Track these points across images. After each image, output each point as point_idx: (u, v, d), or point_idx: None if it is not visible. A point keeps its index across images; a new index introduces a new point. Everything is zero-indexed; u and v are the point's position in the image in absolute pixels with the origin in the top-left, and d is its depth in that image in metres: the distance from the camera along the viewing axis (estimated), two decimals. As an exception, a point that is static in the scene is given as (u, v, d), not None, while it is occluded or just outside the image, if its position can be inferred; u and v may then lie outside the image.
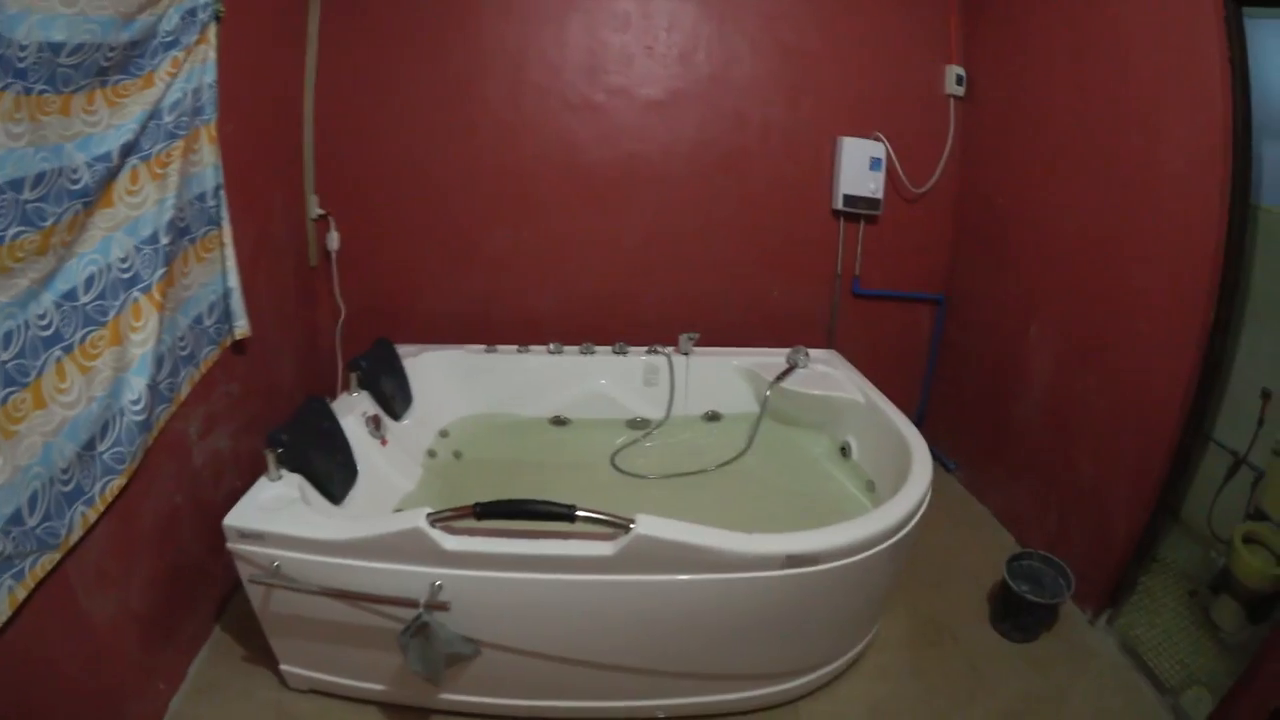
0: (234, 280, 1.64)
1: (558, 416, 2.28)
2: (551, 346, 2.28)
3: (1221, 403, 1.76)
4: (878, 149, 2.25)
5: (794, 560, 1.21)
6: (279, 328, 2.00)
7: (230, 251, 1.62)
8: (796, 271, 2.45)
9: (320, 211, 2.24)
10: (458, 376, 2.21)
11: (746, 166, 2.32)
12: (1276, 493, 1.62)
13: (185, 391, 1.53)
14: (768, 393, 2.16)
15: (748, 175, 2.34)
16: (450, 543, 1.19)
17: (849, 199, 2.28)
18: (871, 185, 2.27)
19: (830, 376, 2.15)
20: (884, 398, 1.94)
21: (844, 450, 2.02)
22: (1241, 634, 1.59)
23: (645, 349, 2.30)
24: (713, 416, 2.31)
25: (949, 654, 1.64)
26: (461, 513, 1.18)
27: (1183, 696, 1.49)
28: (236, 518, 1.25)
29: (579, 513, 1.19)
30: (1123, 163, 1.70)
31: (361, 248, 2.30)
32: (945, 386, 2.53)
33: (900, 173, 2.32)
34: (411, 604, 1.19)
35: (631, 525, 1.18)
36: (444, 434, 2.13)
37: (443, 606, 1.19)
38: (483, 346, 2.27)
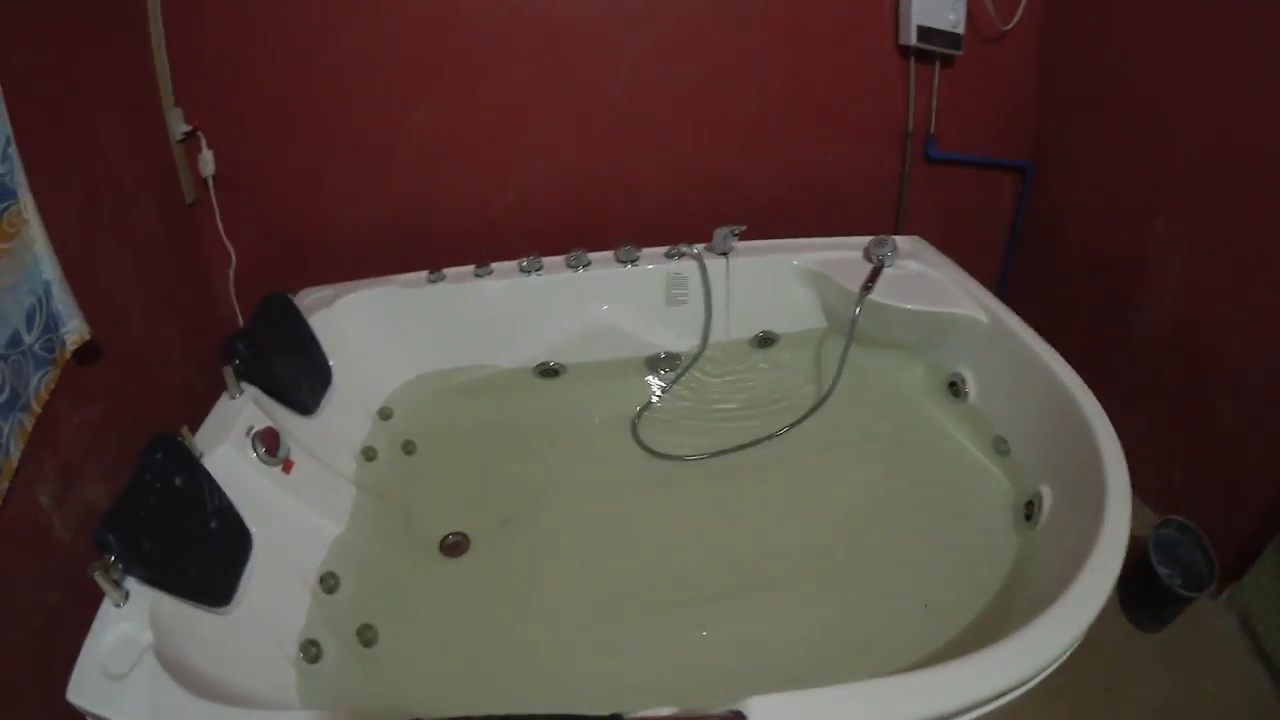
0: (52, 268, 1.28)
1: (545, 364, 1.87)
2: (524, 261, 1.82)
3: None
4: None
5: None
6: (148, 304, 1.64)
7: (39, 230, 1.26)
8: (854, 128, 2.08)
9: (186, 128, 1.79)
10: (393, 325, 1.79)
11: None
12: None
13: (17, 452, 1.19)
14: (857, 310, 1.70)
15: None
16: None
17: (923, 32, 1.88)
18: (951, 16, 1.87)
19: (929, 278, 1.75)
20: (1013, 315, 1.58)
21: (953, 388, 1.69)
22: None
23: (665, 250, 1.85)
24: (765, 340, 1.92)
25: (1082, 660, 1.49)
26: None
27: None
28: (78, 691, 0.96)
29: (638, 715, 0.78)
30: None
31: (246, 165, 1.88)
32: (1031, 279, 2.26)
33: (987, 2, 1.88)
34: None
35: None
36: (385, 415, 1.77)
37: None
38: (424, 274, 1.83)
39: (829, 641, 1.26)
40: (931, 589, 1.32)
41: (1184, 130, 1.65)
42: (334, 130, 1.89)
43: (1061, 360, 1.40)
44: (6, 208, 1.20)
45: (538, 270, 1.81)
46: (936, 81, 1.99)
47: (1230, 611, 1.54)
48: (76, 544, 1.31)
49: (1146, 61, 1.73)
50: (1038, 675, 0.89)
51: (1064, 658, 0.91)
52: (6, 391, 1.16)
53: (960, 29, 1.89)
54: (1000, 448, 1.51)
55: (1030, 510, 1.33)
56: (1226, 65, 1.51)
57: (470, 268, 1.83)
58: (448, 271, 1.82)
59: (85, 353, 1.35)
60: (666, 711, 0.78)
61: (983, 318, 1.59)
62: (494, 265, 1.83)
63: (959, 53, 1.92)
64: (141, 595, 1.04)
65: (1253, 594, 1.50)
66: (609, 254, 1.86)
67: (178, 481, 1.16)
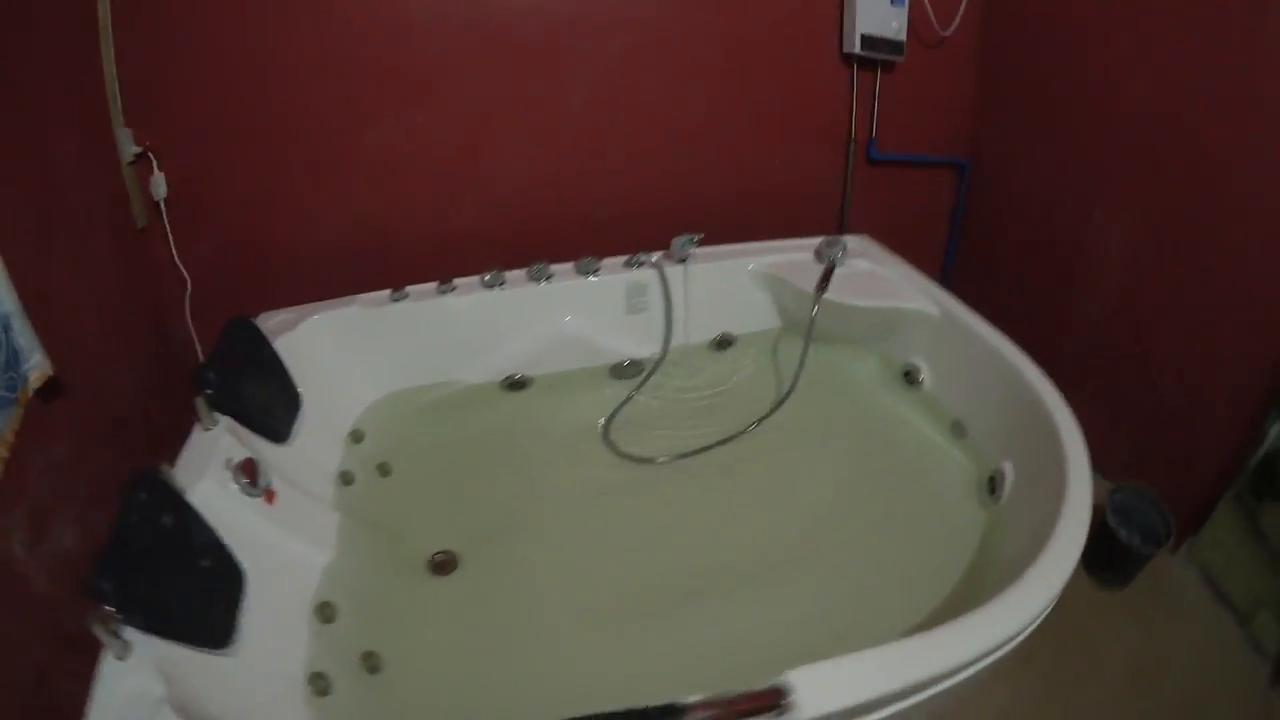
0: (9, 300, 1.21)
1: (512, 376, 1.88)
2: (487, 276, 1.83)
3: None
4: None
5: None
6: (103, 334, 1.58)
7: None
8: (800, 134, 2.13)
9: (136, 148, 1.71)
10: (358, 346, 1.77)
11: None
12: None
13: None
14: (815, 311, 1.75)
15: (732, 9, 1.92)
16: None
17: (867, 40, 1.94)
18: (894, 24, 1.94)
19: (878, 275, 1.83)
20: (962, 305, 1.65)
21: (908, 377, 1.75)
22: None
23: (624, 260, 1.88)
24: (723, 342, 1.96)
25: (1053, 620, 1.48)
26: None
27: (1254, 624, 1.47)
28: None
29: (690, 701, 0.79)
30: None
31: (199, 186, 1.81)
32: (973, 270, 2.34)
33: (928, 7, 1.96)
34: None
35: (787, 701, 0.81)
36: (356, 438, 1.73)
37: None
38: (387, 293, 1.81)
39: (822, 623, 1.30)
40: (909, 566, 1.37)
41: (1119, 125, 1.71)
42: (289, 148, 1.83)
43: (1012, 345, 1.48)
44: None
45: (500, 285, 1.80)
46: (878, 87, 2.05)
47: (1190, 564, 1.62)
48: (54, 593, 1.24)
49: (1083, 61, 1.79)
50: (1027, 628, 0.95)
51: (1042, 615, 0.97)
52: None
53: (902, 36, 1.94)
54: (958, 430, 1.58)
55: (993, 485, 1.40)
56: (1160, 63, 1.58)
57: (433, 285, 1.81)
58: (410, 289, 1.80)
59: (46, 390, 1.28)
60: (713, 695, 0.80)
61: (934, 310, 1.67)
62: (456, 281, 1.82)
63: (900, 59, 1.98)
64: (143, 645, 0.97)
65: (1210, 548, 1.60)
66: (570, 265, 1.86)
67: (165, 521, 1.11)
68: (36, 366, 1.26)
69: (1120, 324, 1.79)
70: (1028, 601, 0.95)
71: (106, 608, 0.96)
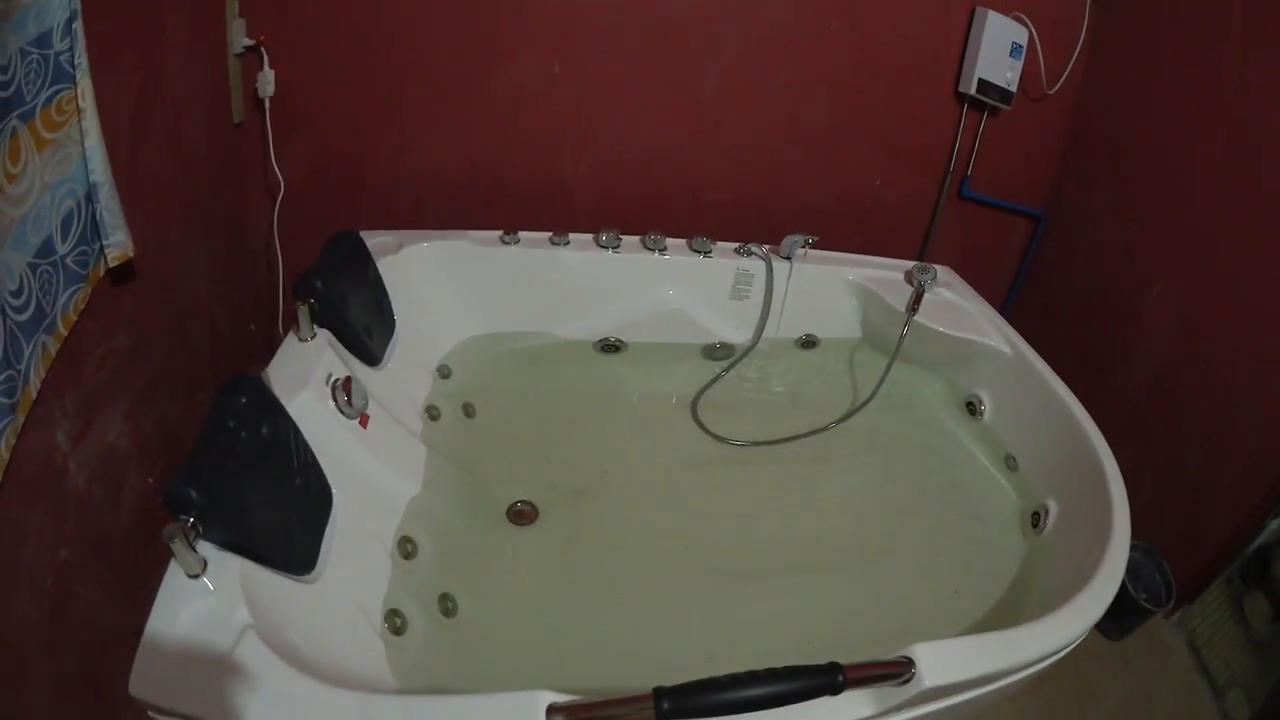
0: (102, 170, 0.99)
1: (607, 339, 1.68)
2: (604, 236, 1.62)
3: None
4: (1020, 33, 1.87)
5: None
6: (185, 225, 1.36)
7: (94, 123, 0.97)
8: (903, 159, 2.00)
9: (248, 41, 1.48)
10: (459, 281, 1.55)
11: (865, 14, 1.78)
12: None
13: (38, 380, 0.90)
14: (905, 330, 1.65)
15: (865, 25, 1.79)
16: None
17: (982, 85, 1.88)
18: (1009, 74, 1.89)
19: (959, 308, 1.72)
20: (1033, 351, 1.59)
21: (970, 407, 1.66)
22: (1268, 630, 1.49)
23: (735, 246, 1.71)
24: (808, 342, 1.81)
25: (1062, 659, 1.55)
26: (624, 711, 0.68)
27: (1228, 699, 1.45)
28: (142, 683, 0.69)
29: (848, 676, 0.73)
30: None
31: (309, 91, 1.58)
32: (1030, 316, 2.23)
33: (1041, 65, 1.88)
34: None
35: (911, 673, 0.78)
36: (444, 374, 1.52)
37: None
38: (498, 233, 1.59)
39: (870, 617, 1.28)
40: (954, 579, 1.34)
41: (1194, 206, 1.66)
42: (414, 71, 1.61)
43: (1073, 394, 1.43)
44: (59, 91, 0.91)
45: (615, 247, 1.63)
46: (981, 129, 1.94)
47: (1180, 631, 1.60)
48: (91, 492, 1.04)
49: (1169, 136, 1.73)
50: (1067, 646, 0.95)
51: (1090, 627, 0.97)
52: (32, 308, 0.87)
53: (1014, 86, 1.89)
54: (1010, 464, 1.53)
55: (1036, 520, 1.37)
56: (1244, 150, 1.53)
57: (546, 234, 1.62)
58: (522, 235, 1.60)
59: (117, 274, 1.07)
60: (858, 660, 0.77)
61: (1006, 349, 1.59)
62: (570, 235, 1.62)
63: (1008, 107, 1.90)
64: (218, 562, 0.78)
65: (1199, 620, 1.58)
66: (682, 241, 1.71)
67: (264, 431, 0.89)
68: (118, 245, 1.05)
69: (1158, 392, 1.74)
70: (1088, 608, 0.97)
71: (187, 519, 0.74)
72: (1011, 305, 2.26)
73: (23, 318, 0.84)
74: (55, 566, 0.93)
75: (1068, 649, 0.95)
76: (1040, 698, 1.41)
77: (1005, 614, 1.22)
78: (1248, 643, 1.46)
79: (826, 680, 0.72)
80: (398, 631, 1.01)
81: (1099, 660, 1.54)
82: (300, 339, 1.12)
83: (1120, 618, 1.54)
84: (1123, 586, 1.42)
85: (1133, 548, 1.51)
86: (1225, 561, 1.52)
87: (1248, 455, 1.49)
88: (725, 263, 1.69)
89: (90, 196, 0.98)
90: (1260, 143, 1.50)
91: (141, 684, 0.69)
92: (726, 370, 1.73)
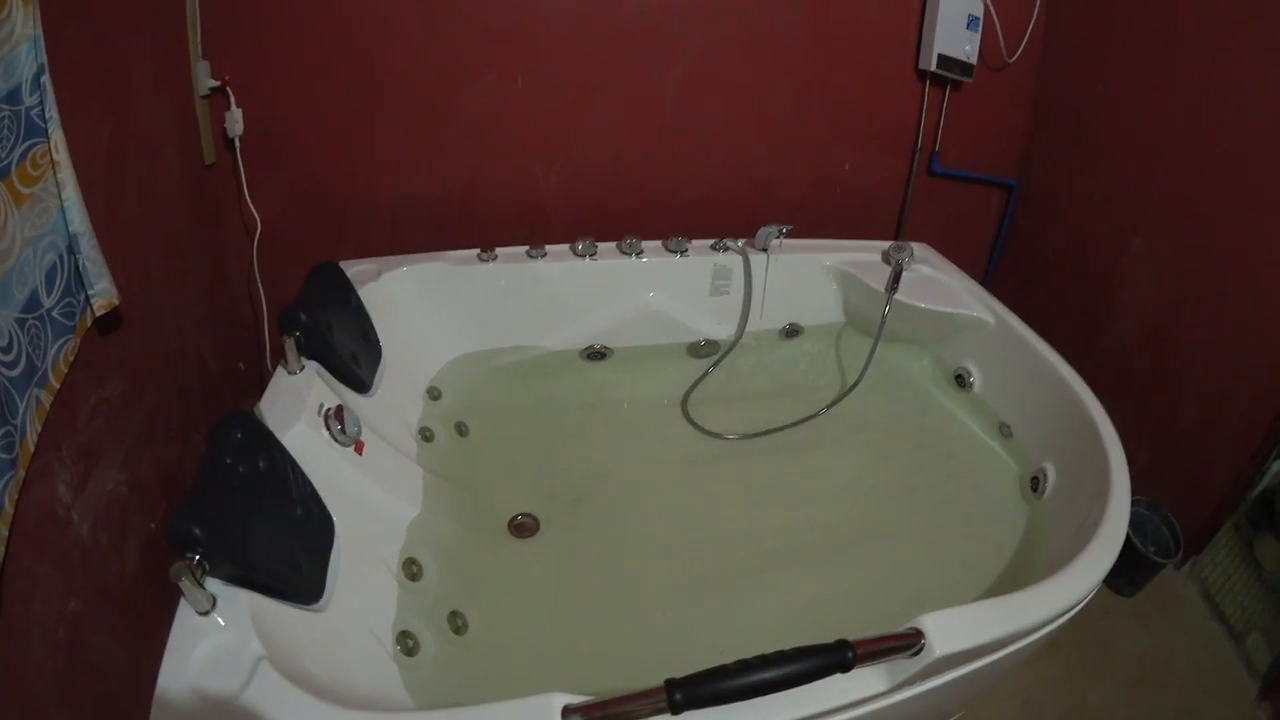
0: (81, 220, 1.01)
1: (593, 347, 1.70)
2: (580, 245, 1.64)
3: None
4: (975, 5, 1.89)
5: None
6: (166, 268, 1.37)
7: (69, 174, 0.99)
8: (871, 142, 2.02)
9: (214, 82, 1.51)
10: (441, 302, 1.57)
11: (822, 1, 1.82)
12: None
13: (34, 434, 0.92)
14: (886, 309, 1.67)
15: (823, 13, 1.82)
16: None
17: (942, 60, 1.89)
18: (967, 47, 1.90)
19: (940, 283, 1.73)
20: (1014, 316, 1.60)
21: (959, 379, 1.67)
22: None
23: (710, 243, 1.73)
24: (792, 331, 1.83)
25: (1073, 618, 1.56)
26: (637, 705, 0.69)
27: (1247, 643, 1.46)
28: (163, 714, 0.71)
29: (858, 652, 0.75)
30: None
31: (277, 127, 1.59)
32: (1012, 285, 2.26)
33: (1000, 35, 1.91)
34: None
35: (921, 644, 0.80)
36: (434, 395, 1.53)
37: None
38: (474, 252, 1.61)
39: (879, 596, 1.28)
40: (959, 549, 1.35)
41: (1164, 160, 1.68)
42: (379, 99, 1.63)
43: (1060, 357, 1.44)
44: (32, 146, 0.92)
45: (592, 255, 1.65)
46: (945, 104, 1.96)
47: (1192, 581, 1.61)
48: (97, 540, 1.05)
49: (1133, 96, 1.75)
50: (1077, 605, 0.95)
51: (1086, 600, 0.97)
52: (23, 363, 0.88)
53: (974, 59, 1.90)
54: (1005, 432, 1.54)
55: (1036, 484, 1.38)
56: (1208, 104, 1.55)
57: (522, 248, 1.63)
58: (499, 251, 1.61)
59: (104, 322, 1.08)
60: (867, 636, 0.78)
61: (989, 319, 1.61)
62: (547, 247, 1.64)
63: (969, 80, 1.92)
64: (226, 598, 0.79)
65: (1210, 568, 1.58)
66: (659, 243, 1.72)
67: (261, 465, 0.90)
68: (103, 294, 1.06)
69: (1147, 348, 1.75)
70: (1093, 565, 0.97)
71: (193, 557, 0.76)
72: (992, 276, 2.29)
73: (14, 373, 0.85)
74: (66, 617, 0.94)
75: (1077, 608, 0.95)
76: (1059, 659, 1.42)
77: (1013, 580, 1.22)
78: (1261, 585, 1.46)
79: (837, 658, 0.72)
80: (410, 653, 1.02)
81: (1115, 617, 1.54)
82: (289, 372, 1.14)
83: (1131, 573, 1.56)
84: (1130, 542, 1.44)
85: (1137, 503, 1.55)
86: (1230, 508, 1.53)
87: (1244, 401, 1.50)
88: (702, 260, 1.71)
89: (72, 248, 0.98)
90: (1222, 86, 1.51)
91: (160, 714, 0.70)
92: (713, 366, 1.75)
